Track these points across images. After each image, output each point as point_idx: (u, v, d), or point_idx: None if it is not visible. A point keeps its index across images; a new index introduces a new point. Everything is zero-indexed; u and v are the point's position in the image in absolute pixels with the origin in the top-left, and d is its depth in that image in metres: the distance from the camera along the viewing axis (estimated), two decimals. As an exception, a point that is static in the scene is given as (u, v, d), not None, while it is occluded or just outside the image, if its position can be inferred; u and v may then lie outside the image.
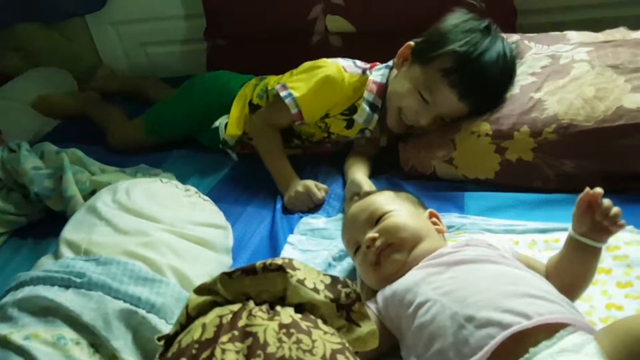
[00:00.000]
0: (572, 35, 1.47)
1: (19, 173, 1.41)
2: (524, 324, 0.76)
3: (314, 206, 1.37)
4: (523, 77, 1.37)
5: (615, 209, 0.86)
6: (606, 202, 0.86)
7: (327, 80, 1.41)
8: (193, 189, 1.32)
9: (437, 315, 0.83)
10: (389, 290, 0.94)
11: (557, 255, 0.95)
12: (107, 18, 2.14)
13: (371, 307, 0.95)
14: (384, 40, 1.50)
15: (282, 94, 1.42)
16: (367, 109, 1.41)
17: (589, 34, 1.46)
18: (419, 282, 0.90)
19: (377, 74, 1.44)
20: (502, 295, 0.81)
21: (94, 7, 2.10)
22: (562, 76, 1.32)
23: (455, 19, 1.34)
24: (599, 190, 0.87)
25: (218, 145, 1.55)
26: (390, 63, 1.45)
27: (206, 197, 1.32)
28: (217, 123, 1.55)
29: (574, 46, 1.41)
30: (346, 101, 1.44)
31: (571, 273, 0.92)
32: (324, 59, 1.46)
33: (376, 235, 0.99)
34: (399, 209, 1.04)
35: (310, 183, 1.38)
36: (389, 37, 1.47)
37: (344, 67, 1.43)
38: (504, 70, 1.34)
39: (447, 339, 0.80)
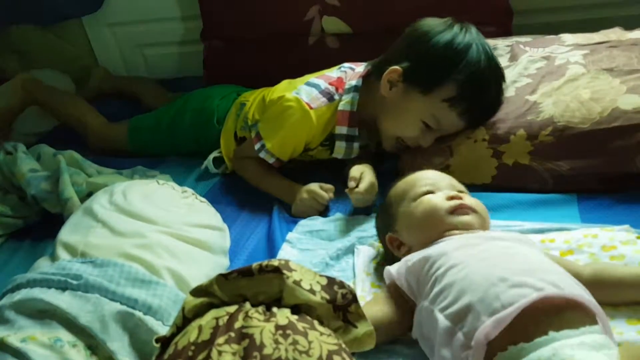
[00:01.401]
0: (567, 37, 1.47)
1: (16, 175, 1.40)
2: (557, 290, 0.77)
3: (323, 209, 1.35)
4: (518, 78, 1.37)
5: None
6: None
7: (294, 126, 1.38)
8: (190, 191, 1.31)
9: (470, 274, 0.84)
10: (417, 255, 0.94)
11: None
12: (104, 20, 2.14)
13: (391, 272, 0.97)
14: (380, 41, 1.50)
15: (257, 146, 1.42)
16: (343, 144, 1.39)
17: (584, 35, 1.46)
18: (454, 249, 0.91)
19: (346, 101, 1.39)
20: (537, 269, 0.83)
21: (91, 8, 2.10)
22: (557, 77, 1.32)
23: (440, 34, 1.29)
24: None
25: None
26: (358, 83, 1.40)
27: (203, 199, 1.32)
28: (205, 164, 1.56)
29: (569, 48, 1.42)
30: (320, 135, 1.42)
31: None
32: (287, 95, 1.40)
33: (468, 195, 1.04)
34: None
35: (314, 186, 1.35)
36: (385, 37, 1.47)
37: (308, 104, 1.37)
38: (498, 77, 1.33)
39: (477, 294, 0.80)
